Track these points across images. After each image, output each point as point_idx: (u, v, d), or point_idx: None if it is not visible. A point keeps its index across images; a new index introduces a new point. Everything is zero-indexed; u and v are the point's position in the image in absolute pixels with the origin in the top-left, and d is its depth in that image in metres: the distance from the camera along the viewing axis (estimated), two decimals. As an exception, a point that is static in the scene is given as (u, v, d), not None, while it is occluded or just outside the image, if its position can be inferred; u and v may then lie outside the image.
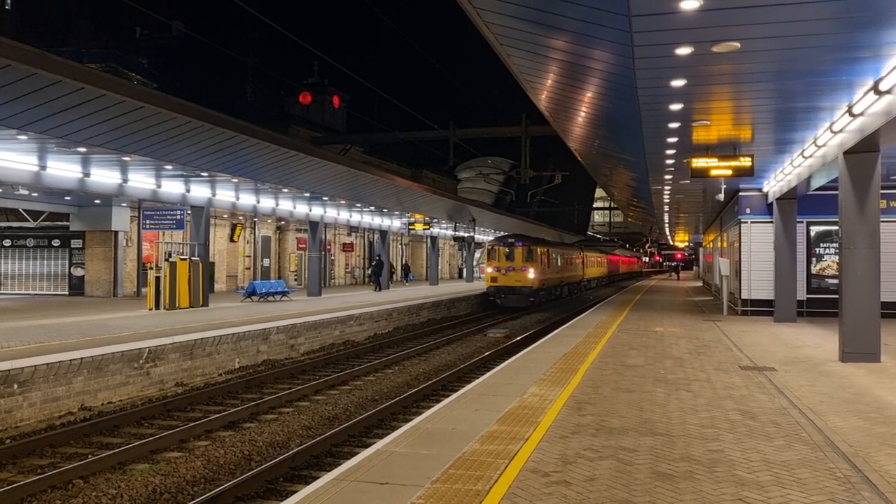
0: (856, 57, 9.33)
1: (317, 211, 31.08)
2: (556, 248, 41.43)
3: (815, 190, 18.78)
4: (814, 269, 22.30)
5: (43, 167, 17.67)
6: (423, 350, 20.27)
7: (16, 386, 11.15)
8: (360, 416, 11.72)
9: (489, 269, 35.40)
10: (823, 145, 13.97)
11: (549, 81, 12.98)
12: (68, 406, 12.12)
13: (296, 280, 40.20)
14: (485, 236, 53.42)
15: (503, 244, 35.54)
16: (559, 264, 41.19)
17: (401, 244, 54.83)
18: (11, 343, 13.25)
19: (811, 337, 16.74)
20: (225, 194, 24.79)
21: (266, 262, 38.34)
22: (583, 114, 15.91)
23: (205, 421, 11.26)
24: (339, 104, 52.47)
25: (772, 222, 21.24)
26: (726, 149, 15.68)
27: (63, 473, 8.60)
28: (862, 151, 12.30)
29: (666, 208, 32.79)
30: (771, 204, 21.50)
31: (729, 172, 15.42)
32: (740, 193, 23.11)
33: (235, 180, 21.64)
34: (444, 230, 46.09)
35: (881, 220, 12.83)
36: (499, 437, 7.35)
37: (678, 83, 10.74)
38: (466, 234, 46.86)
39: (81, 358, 12.39)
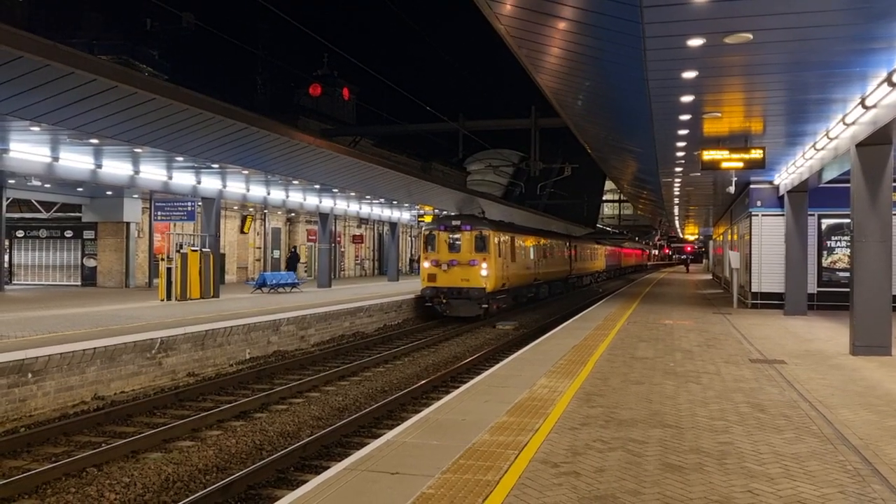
0: (869, 48, 9.27)
1: (327, 203, 31.15)
2: (526, 235, 32.31)
3: (827, 183, 18.68)
4: (825, 262, 22.20)
5: (56, 158, 17.79)
6: (433, 342, 20.33)
7: (30, 375, 11.27)
8: (370, 407, 11.78)
9: (426, 264, 26.09)
10: (836, 138, 13.88)
11: (559, 73, 12.95)
12: (81, 395, 12.23)
13: (306, 272, 40.33)
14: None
15: (444, 228, 26.19)
16: (531, 257, 32.57)
17: (410, 236, 54.89)
18: (26, 333, 13.38)
19: (822, 330, 16.68)
20: (235, 186, 24.88)
21: (276, 253, 38.47)
22: (593, 106, 15.87)
23: (216, 411, 11.35)
24: (349, 96, 52.48)
25: (783, 215, 21.14)
26: (737, 141, 15.60)
27: (77, 462, 8.70)
28: (875, 144, 12.23)
29: (676, 201, 32.68)
30: (782, 197, 21.39)
31: (740, 165, 15.36)
32: (751, 186, 23.00)
33: (246, 172, 21.72)
34: (453, 222, 45.95)
35: (894, 213, 12.76)
36: (508, 428, 7.38)
37: (689, 75, 10.70)
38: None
39: (94, 348, 12.50)
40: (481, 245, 25.62)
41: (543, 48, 11.24)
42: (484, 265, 25.42)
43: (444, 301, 25.36)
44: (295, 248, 35.76)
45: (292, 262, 33.94)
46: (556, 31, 10.20)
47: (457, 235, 25.88)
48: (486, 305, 25.65)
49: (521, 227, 33.35)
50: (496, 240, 26.35)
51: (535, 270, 33.08)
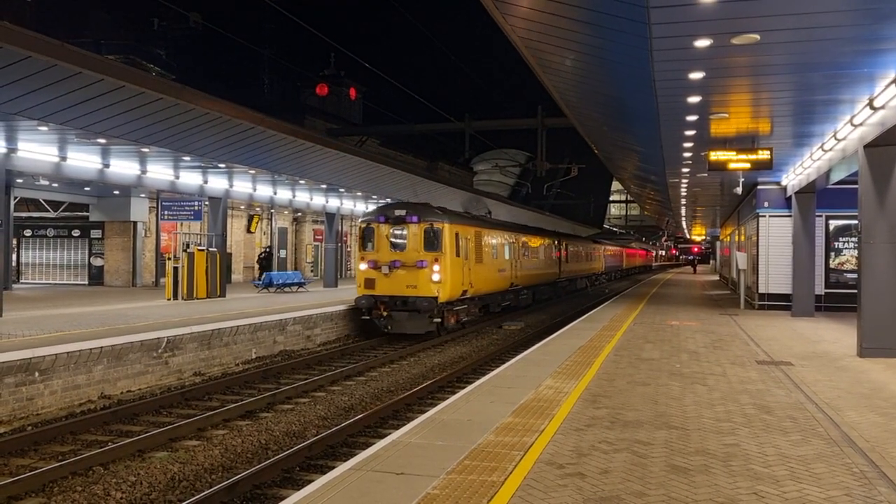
0: (877, 49, 9.24)
1: (333, 202, 31.19)
2: (499, 230, 26.11)
3: (835, 184, 18.61)
4: (832, 264, 22.12)
5: (63, 158, 17.87)
6: (439, 342, 20.31)
7: (37, 374, 11.32)
8: (375, 407, 11.79)
9: (362, 266, 20.49)
10: (843, 139, 13.84)
11: (566, 74, 12.94)
12: (88, 394, 12.28)
13: (312, 271, 40.39)
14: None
15: (385, 220, 20.31)
16: (506, 257, 26.41)
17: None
18: (33, 332, 13.44)
19: (829, 332, 16.62)
20: (242, 185, 24.95)
21: (282, 253, 38.52)
22: (599, 106, 15.85)
23: (222, 410, 11.36)
24: (356, 96, 52.55)
25: (790, 216, 21.07)
26: (745, 142, 15.56)
27: (83, 460, 8.72)
28: (883, 145, 12.19)
29: (682, 201, 32.61)
30: (789, 198, 21.33)
31: (747, 166, 15.32)
32: (758, 187, 22.94)
33: (252, 171, 21.77)
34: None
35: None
36: (514, 429, 7.38)
37: (696, 75, 10.68)
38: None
39: (101, 347, 12.55)
40: (433, 241, 19.93)
41: (550, 49, 11.24)
42: (436, 267, 19.74)
43: (385, 314, 19.70)
44: (269, 247, 33.98)
45: (266, 262, 31.98)
46: (562, 31, 10.19)
47: (401, 229, 20.16)
48: (439, 319, 20.11)
49: (492, 221, 27.42)
50: (454, 235, 20.54)
51: (510, 273, 26.95)
